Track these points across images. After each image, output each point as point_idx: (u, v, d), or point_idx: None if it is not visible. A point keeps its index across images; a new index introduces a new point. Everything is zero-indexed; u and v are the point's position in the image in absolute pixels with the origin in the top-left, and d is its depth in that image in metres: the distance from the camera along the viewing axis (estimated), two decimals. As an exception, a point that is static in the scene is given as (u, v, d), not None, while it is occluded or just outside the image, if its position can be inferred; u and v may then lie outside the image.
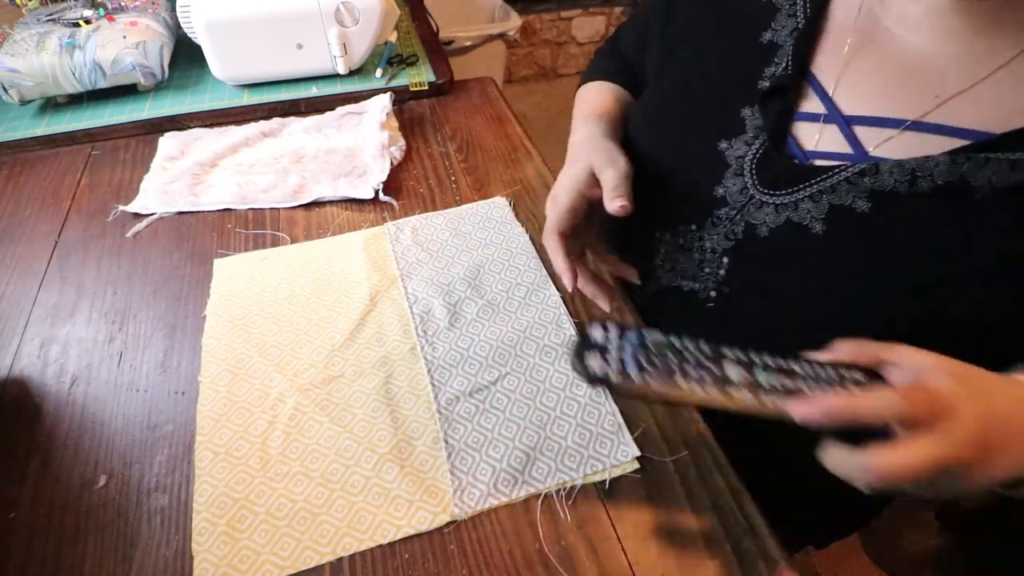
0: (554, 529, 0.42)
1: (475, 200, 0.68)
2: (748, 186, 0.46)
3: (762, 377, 0.39)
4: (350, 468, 0.45)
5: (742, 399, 0.38)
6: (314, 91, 0.86)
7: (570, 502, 0.43)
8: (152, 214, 0.67)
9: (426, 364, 0.52)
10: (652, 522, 0.42)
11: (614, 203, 0.46)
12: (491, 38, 1.84)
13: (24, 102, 0.81)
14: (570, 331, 0.54)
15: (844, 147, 0.43)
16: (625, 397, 0.49)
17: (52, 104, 0.85)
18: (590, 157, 0.51)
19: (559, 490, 0.44)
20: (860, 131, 0.43)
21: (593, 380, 0.39)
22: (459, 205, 0.68)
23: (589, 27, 2.58)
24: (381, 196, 0.68)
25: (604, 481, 0.44)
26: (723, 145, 0.48)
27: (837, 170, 0.42)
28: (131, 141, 0.80)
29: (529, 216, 0.66)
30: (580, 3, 2.47)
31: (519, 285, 0.58)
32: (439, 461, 0.46)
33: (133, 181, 0.73)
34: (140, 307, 0.57)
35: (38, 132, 0.80)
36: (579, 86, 0.70)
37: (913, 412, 0.31)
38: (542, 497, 0.44)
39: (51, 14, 0.86)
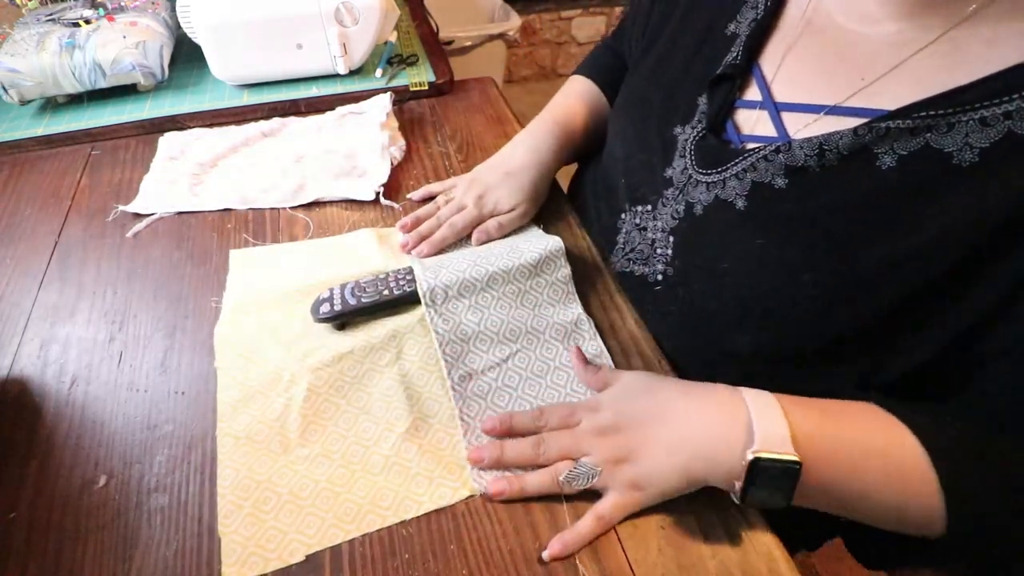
0: (554, 529, 0.42)
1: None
2: (687, 166, 0.51)
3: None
4: (369, 449, 0.46)
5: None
6: (314, 91, 0.86)
7: (571, 502, 0.43)
8: (152, 214, 0.67)
9: (436, 337, 0.51)
10: (652, 522, 0.42)
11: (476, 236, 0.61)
12: (491, 38, 1.84)
13: (24, 102, 0.81)
14: (578, 309, 0.55)
15: (772, 131, 0.47)
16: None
17: (52, 104, 0.85)
18: (510, 195, 0.62)
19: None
20: (787, 117, 0.47)
21: (324, 319, 0.53)
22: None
23: (589, 27, 2.58)
24: (383, 200, 0.68)
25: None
26: (677, 130, 0.53)
27: (757, 149, 0.46)
28: (131, 141, 0.79)
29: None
30: (580, 3, 2.47)
31: (531, 251, 0.56)
32: (455, 438, 0.46)
33: (133, 181, 0.73)
34: (140, 307, 0.57)
35: (38, 132, 0.80)
36: (574, 73, 0.76)
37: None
38: (544, 496, 0.44)
39: (51, 14, 0.86)
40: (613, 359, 0.52)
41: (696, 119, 0.51)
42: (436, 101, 0.88)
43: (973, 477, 0.37)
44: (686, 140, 0.51)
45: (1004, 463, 0.38)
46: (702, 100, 0.51)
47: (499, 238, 0.62)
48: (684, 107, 0.53)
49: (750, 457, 0.36)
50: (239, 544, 0.41)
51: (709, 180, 0.48)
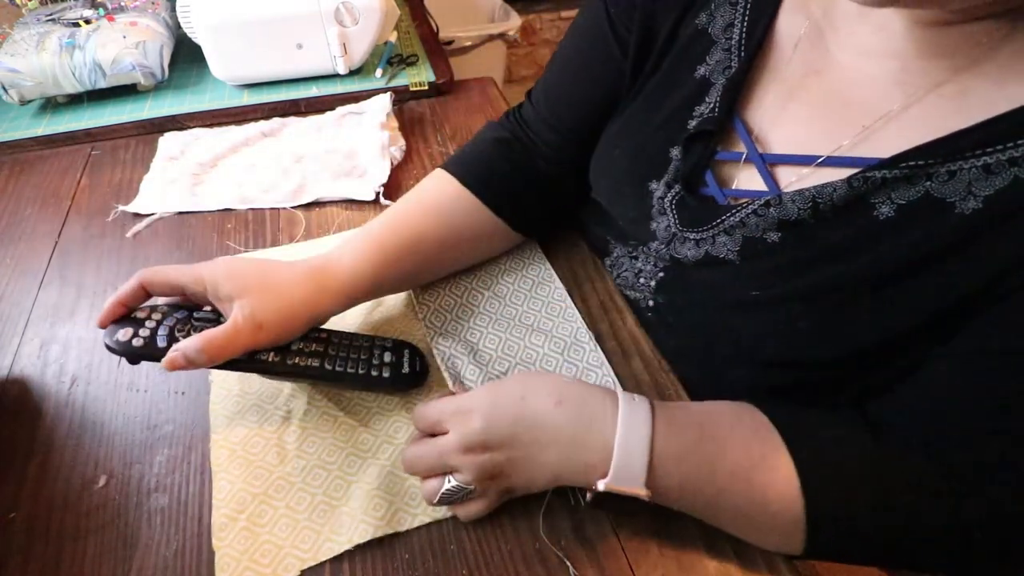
0: (554, 529, 0.42)
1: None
2: (671, 224, 0.48)
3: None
4: (367, 460, 0.45)
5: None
6: (314, 91, 0.86)
7: (572, 502, 0.43)
8: (152, 214, 0.67)
9: (438, 353, 0.52)
10: (652, 522, 0.42)
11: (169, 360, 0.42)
12: (491, 38, 1.84)
13: (24, 102, 0.81)
14: (577, 323, 0.55)
15: (761, 185, 0.44)
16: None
17: (52, 104, 0.85)
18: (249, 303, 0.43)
19: None
20: (779, 169, 0.44)
21: (111, 349, 0.43)
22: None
23: (589, 27, 2.57)
24: (383, 200, 0.68)
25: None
26: (652, 186, 0.49)
27: (745, 205, 0.43)
28: (131, 141, 0.80)
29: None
30: (580, 3, 2.47)
31: (524, 278, 0.59)
32: None
33: (133, 181, 0.73)
34: (140, 307, 0.57)
35: (38, 132, 0.80)
36: (442, 166, 0.58)
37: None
38: (547, 497, 0.44)
39: (51, 14, 0.87)
40: (612, 360, 0.52)
41: (670, 176, 0.47)
42: (436, 101, 0.88)
43: (840, 504, 0.37)
44: (662, 199, 0.48)
45: (880, 479, 0.37)
46: (674, 152, 0.47)
47: None
48: (655, 161, 0.48)
49: (600, 487, 0.37)
50: (233, 559, 0.40)
51: (697, 237, 0.46)
